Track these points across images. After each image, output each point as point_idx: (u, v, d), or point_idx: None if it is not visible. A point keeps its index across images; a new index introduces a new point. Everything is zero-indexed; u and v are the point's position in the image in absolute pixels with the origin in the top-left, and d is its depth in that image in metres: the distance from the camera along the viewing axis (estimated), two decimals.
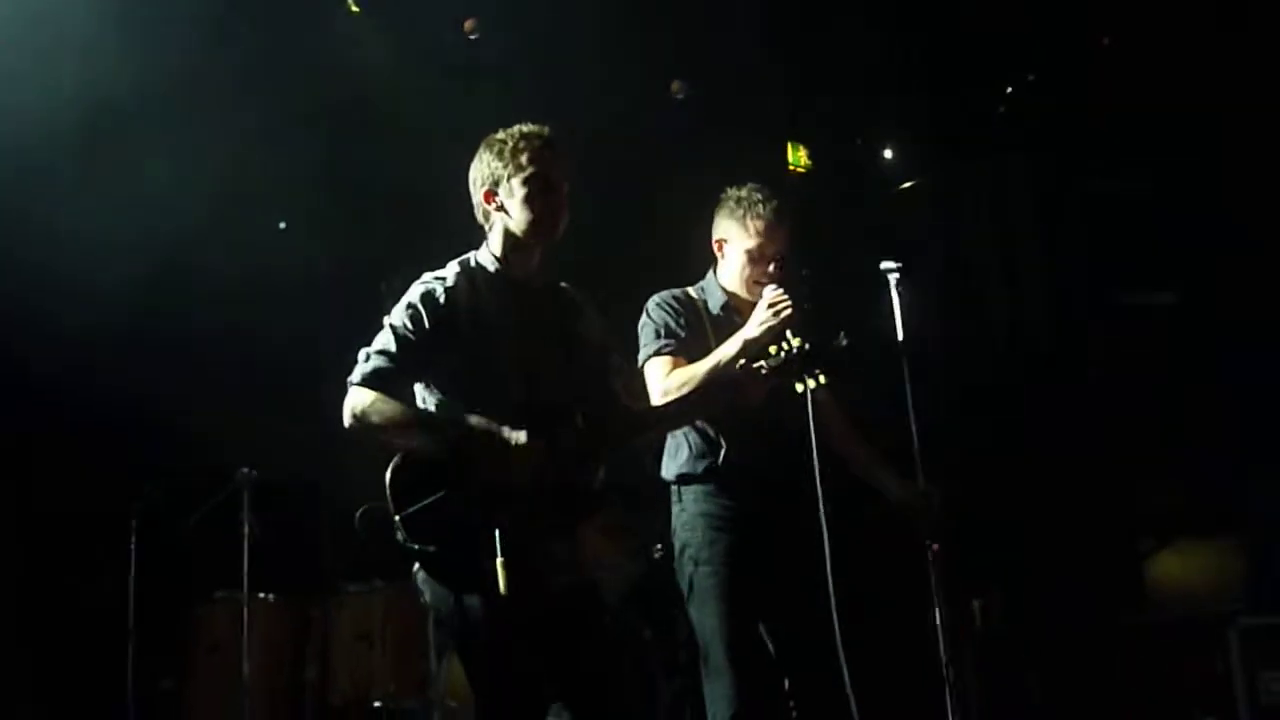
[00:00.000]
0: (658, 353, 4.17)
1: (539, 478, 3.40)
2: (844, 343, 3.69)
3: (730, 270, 4.31)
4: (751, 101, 7.04)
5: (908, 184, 6.96)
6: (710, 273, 4.40)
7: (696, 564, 4.13)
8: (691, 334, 4.19)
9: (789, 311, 3.97)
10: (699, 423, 4.18)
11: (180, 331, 6.38)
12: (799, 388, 3.68)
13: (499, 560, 3.28)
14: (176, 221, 6.01)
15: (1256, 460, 6.16)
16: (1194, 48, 6.20)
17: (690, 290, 4.36)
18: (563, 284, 3.78)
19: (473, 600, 3.38)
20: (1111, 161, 6.82)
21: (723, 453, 4.16)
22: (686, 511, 4.20)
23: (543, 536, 3.41)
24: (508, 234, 3.62)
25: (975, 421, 6.51)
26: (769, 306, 3.99)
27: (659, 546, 6.54)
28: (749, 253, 4.25)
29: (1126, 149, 6.71)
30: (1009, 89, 6.71)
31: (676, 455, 4.25)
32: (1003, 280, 7.18)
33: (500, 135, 3.63)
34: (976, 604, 6.11)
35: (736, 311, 4.27)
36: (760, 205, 4.24)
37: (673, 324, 4.22)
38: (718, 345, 4.00)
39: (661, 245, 6.79)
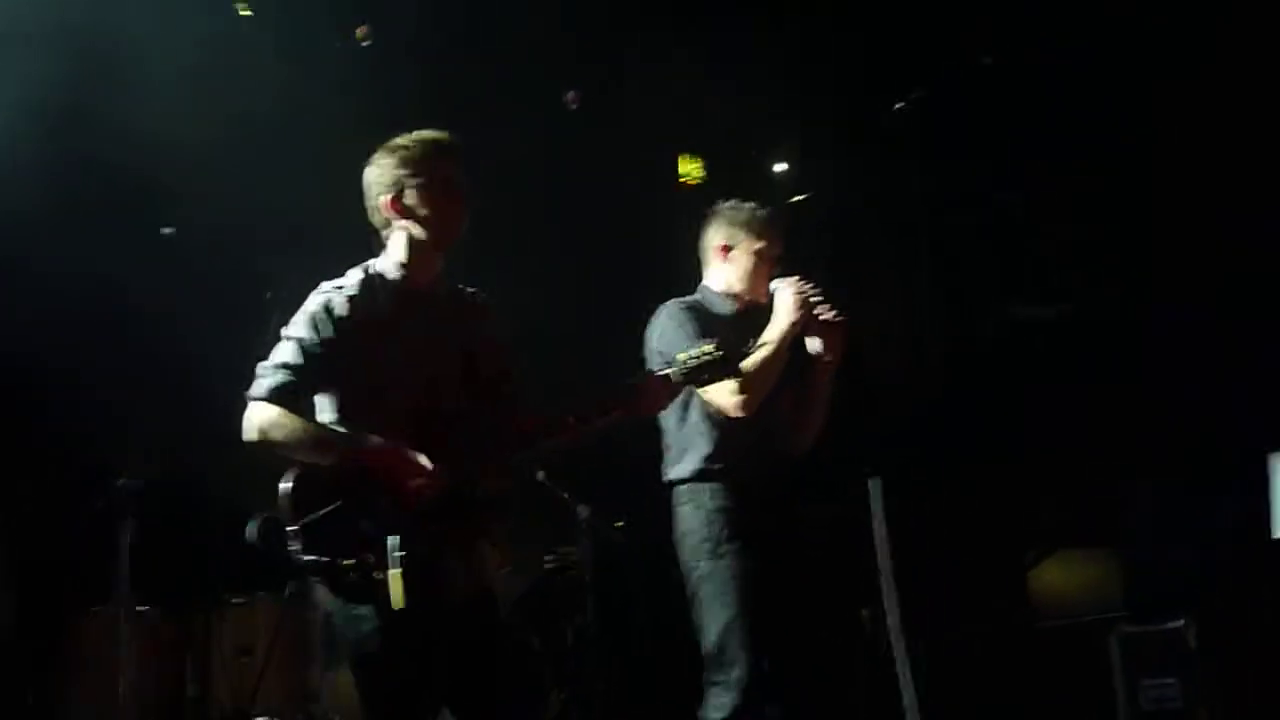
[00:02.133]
0: None
1: (438, 498, 3.37)
2: (755, 349, 3.74)
3: (736, 273, 4.46)
4: (644, 112, 7.05)
5: (800, 198, 7.00)
6: (704, 284, 4.54)
7: (714, 557, 4.18)
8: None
9: (817, 298, 4.21)
10: (712, 422, 4.25)
11: (61, 329, 6.20)
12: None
13: (393, 572, 3.26)
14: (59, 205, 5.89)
15: (1135, 471, 6.29)
16: (1080, 64, 6.36)
17: (688, 300, 4.49)
18: (467, 288, 3.76)
19: (366, 611, 3.36)
20: (997, 177, 6.95)
21: (736, 453, 4.25)
22: (703, 508, 4.24)
23: (439, 548, 3.39)
24: (411, 240, 3.61)
25: (864, 433, 6.57)
26: (796, 295, 4.21)
27: (548, 558, 6.54)
28: (759, 252, 4.44)
29: (1011, 164, 6.85)
30: (898, 105, 6.79)
31: (691, 453, 4.31)
32: (894, 293, 7.26)
33: (401, 141, 3.62)
34: (864, 612, 6.16)
35: (744, 314, 4.41)
36: (761, 210, 4.49)
37: (698, 329, 4.26)
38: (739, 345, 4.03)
39: (552, 253, 6.81)
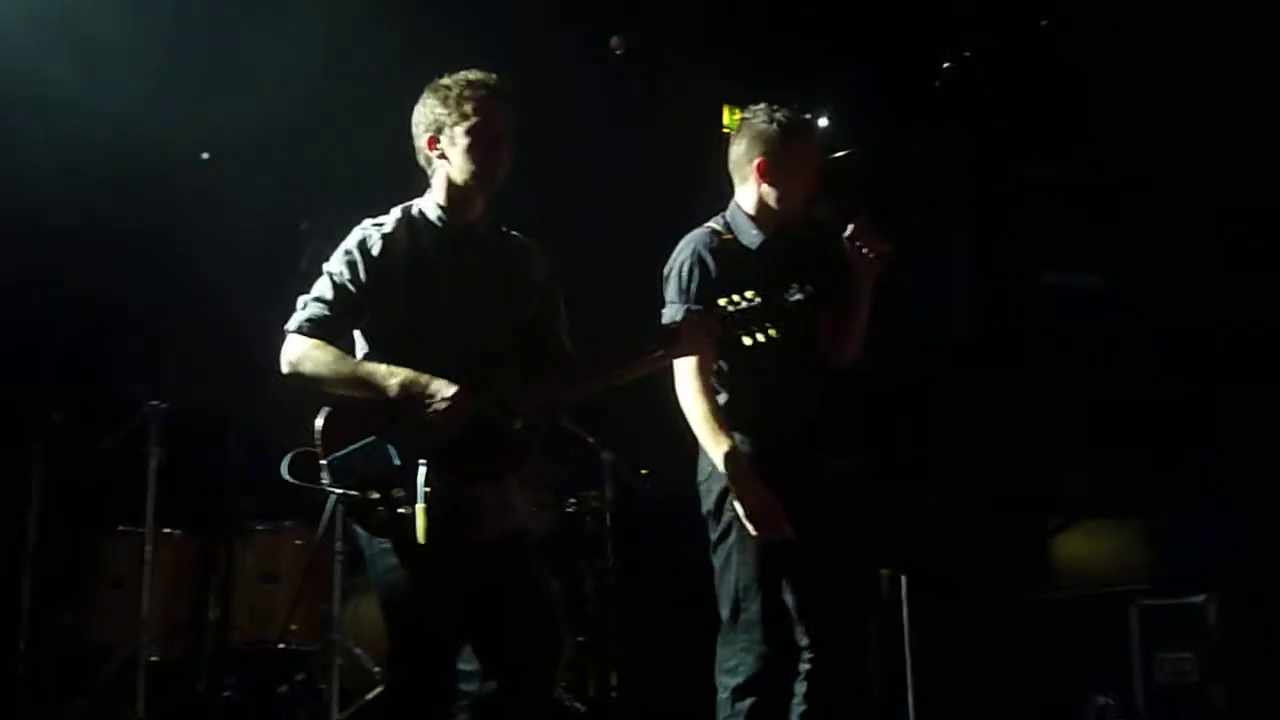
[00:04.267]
0: None
1: (465, 428, 3.39)
2: (797, 296, 3.63)
3: (773, 194, 4.08)
4: (688, 62, 7.01)
5: (841, 154, 6.96)
6: (735, 203, 4.18)
7: (734, 510, 3.93)
8: (724, 283, 3.88)
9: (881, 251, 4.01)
10: (728, 367, 4.02)
11: (94, 258, 6.23)
12: (746, 341, 3.58)
13: (419, 506, 3.29)
14: (97, 140, 5.88)
15: (1164, 444, 6.26)
16: (1137, 34, 6.26)
17: (716, 226, 4.14)
18: (510, 231, 3.76)
19: (390, 546, 3.40)
20: (1046, 145, 6.86)
21: (757, 399, 4.04)
22: None
23: (467, 485, 3.42)
24: (449, 181, 3.62)
25: (892, 396, 6.56)
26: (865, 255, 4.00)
27: (571, 500, 6.56)
28: (800, 169, 4.09)
29: (1062, 133, 6.76)
30: (946, 65, 6.72)
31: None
32: (928, 255, 7.23)
33: (445, 81, 3.61)
34: (884, 573, 6.16)
35: (772, 243, 4.10)
36: (801, 118, 4.11)
37: (719, 273, 3.97)
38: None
39: (595, 200, 6.80)
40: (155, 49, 6.01)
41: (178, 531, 6.22)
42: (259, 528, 6.31)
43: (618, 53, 6.84)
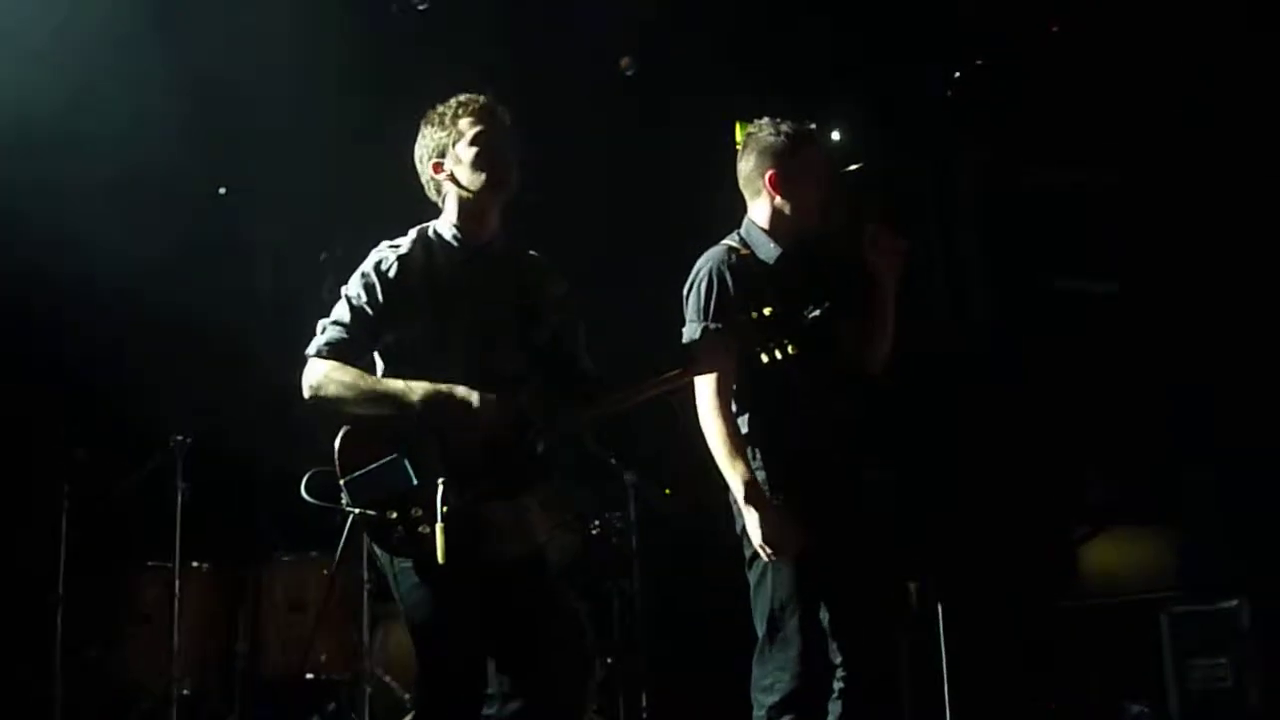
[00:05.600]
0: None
1: (496, 436, 3.41)
2: (815, 313, 3.62)
3: (787, 205, 4.09)
4: (698, 79, 7.02)
5: (852, 167, 6.97)
6: (749, 220, 4.17)
7: None
8: (744, 300, 3.86)
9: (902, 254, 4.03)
10: (760, 383, 3.94)
11: (117, 294, 6.27)
12: (764, 359, 3.56)
13: (439, 526, 3.29)
14: (116, 177, 5.92)
15: (1191, 450, 6.22)
16: (1145, 38, 6.25)
17: (733, 244, 4.12)
18: (528, 251, 3.77)
19: (410, 565, 3.41)
20: (1058, 151, 6.84)
21: (789, 414, 4.00)
22: (759, 474, 3.96)
23: (486, 505, 3.42)
24: (461, 200, 3.64)
25: (914, 406, 6.55)
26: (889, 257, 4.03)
27: (595, 522, 6.56)
28: (809, 177, 4.09)
29: (1074, 138, 6.74)
30: (957, 74, 6.72)
31: (742, 415, 4.01)
32: (944, 266, 7.21)
33: (439, 108, 3.68)
34: (912, 586, 6.14)
35: (790, 256, 4.10)
36: (806, 128, 4.12)
37: (738, 291, 3.94)
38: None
39: (607, 219, 6.82)
40: (173, 85, 6.06)
41: (205, 565, 6.24)
42: (285, 558, 6.33)
43: (628, 73, 6.87)
